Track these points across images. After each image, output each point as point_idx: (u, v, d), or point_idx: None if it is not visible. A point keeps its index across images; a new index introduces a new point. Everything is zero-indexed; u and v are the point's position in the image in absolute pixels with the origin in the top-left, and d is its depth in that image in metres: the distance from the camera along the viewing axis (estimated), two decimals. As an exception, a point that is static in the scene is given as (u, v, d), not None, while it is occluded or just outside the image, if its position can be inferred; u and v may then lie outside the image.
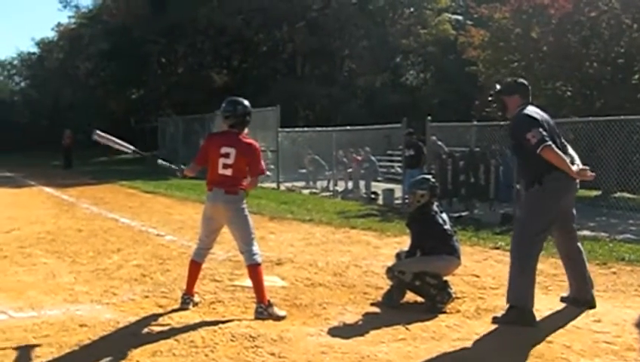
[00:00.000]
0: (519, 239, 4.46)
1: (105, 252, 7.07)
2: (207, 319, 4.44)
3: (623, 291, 5.28)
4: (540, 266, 4.48)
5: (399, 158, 14.45)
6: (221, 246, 6.36)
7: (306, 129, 18.04)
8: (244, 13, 29.41)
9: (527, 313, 4.30)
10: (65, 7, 47.93)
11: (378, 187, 13.75)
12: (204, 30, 30.62)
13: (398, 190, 12.72)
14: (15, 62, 49.59)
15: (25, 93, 47.51)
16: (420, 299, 4.80)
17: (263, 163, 4.71)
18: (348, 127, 15.33)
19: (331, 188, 14.73)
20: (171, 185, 15.05)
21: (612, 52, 13.15)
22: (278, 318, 4.45)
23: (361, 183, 14.22)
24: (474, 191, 10.51)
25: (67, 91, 38.43)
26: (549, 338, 4.01)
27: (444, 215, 4.97)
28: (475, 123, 13.23)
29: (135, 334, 4.14)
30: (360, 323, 4.43)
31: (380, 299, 4.95)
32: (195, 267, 4.80)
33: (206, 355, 3.76)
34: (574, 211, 4.65)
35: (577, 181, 4.44)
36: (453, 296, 4.81)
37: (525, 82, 4.71)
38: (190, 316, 4.54)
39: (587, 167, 4.42)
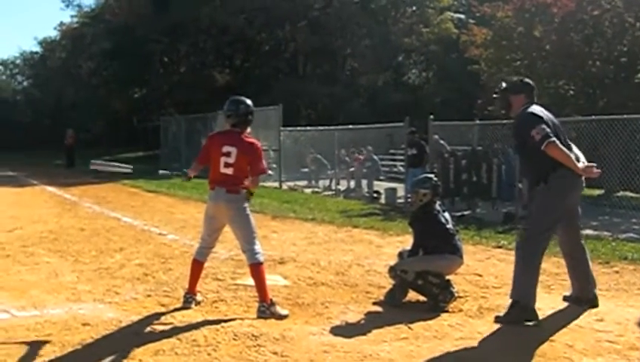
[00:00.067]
0: (525, 237, 4.45)
1: (107, 251, 7.08)
2: (210, 318, 4.44)
3: (626, 290, 5.27)
4: (542, 265, 4.47)
5: (401, 157, 14.45)
6: (223, 245, 6.37)
7: (308, 128, 18.01)
8: (247, 13, 29.42)
9: (529, 311, 4.30)
10: (67, 6, 48.30)
11: (380, 186, 13.73)
12: (206, 29, 30.63)
13: (400, 189, 12.71)
14: (18, 61, 49.73)
15: (27, 93, 47.64)
16: (422, 298, 4.80)
17: (264, 162, 4.71)
18: (350, 126, 15.31)
19: (333, 187, 14.73)
20: (173, 184, 15.05)
21: (615, 50, 13.13)
22: (281, 317, 4.45)
23: (364, 182, 14.21)
24: (476, 190, 10.49)
25: (69, 90, 38.49)
26: (551, 338, 4.00)
27: (446, 214, 4.96)
28: (478, 122, 13.20)
29: (137, 333, 4.15)
30: (362, 322, 4.42)
31: (382, 298, 4.95)
32: (197, 266, 4.81)
33: (208, 354, 3.76)
34: (579, 209, 4.64)
35: (583, 179, 4.43)
36: (456, 295, 4.81)
37: (531, 83, 4.71)
38: (192, 315, 4.54)
39: (593, 164, 4.41)
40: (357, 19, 29.55)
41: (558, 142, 4.25)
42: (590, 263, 4.75)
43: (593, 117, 9.99)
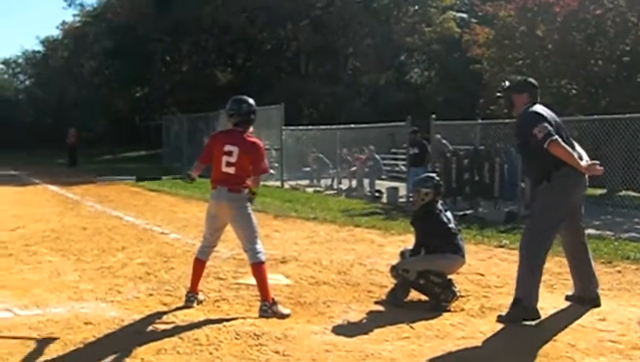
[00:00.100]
0: (529, 237, 4.44)
1: (109, 250, 7.08)
2: (212, 317, 4.45)
3: (628, 290, 5.26)
4: (545, 265, 4.46)
5: (403, 157, 14.42)
6: (225, 245, 6.36)
7: (310, 127, 18.02)
8: (249, 12, 29.45)
9: (530, 310, 4.29)
10: (70, 5, 48.50)
11: (382, 185, 13.73)
12: (208, 28, 30.67)
13: (402, 188, 12.70)
14: (20, 60, 49.82)
15: (29, 92, 47.76)
16: (424, 297, 4.80)
17: (266, 161, 4.72)
18: (352, 126, 15.31)
19: (335, 187, 14.74)
20: (176, 183, 15.06)
21: (617, 50, 13.11)
22: (283, 316, 4.45)
23: (365, 181, 14.21)
24: (478, 190, 10.49)
25: (72, 89, 38.58)
26: (553, 337, 3.99)
27: (448, 213, 4.96)
28: (480, 121, 13.20)
29: (139, 332, 4.15)
30: (364, 321, 4.42)
31: (384, 297, 4.95)
32: (199, 265, 4.81)
33: (210, 353, 3.76)
34: (582, 208, 4.64)
35: (586, 177, 4.42)
36: (458, 294, 4.81)
37: (535, 82, 4.70)
38: (194, 314, 4.54)
39: (596, 162, 4.39)
40: (359, 19, 29.56)
41: (560, 140, 4.24)
42: (592, 263, 4.75)
43: (596, 116, 9.98)
